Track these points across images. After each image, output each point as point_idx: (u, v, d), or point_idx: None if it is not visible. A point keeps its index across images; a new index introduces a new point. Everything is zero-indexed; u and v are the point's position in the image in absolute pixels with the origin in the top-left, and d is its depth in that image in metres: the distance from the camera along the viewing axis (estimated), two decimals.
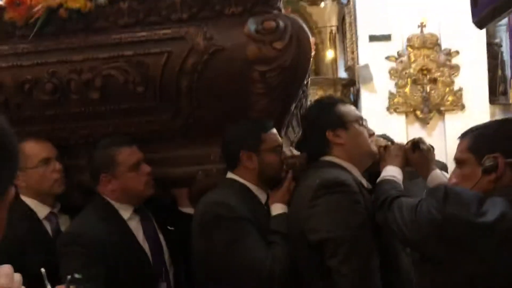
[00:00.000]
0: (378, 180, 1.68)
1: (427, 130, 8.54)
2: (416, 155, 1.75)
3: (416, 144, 1.76)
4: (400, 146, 1.77)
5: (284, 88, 1.74)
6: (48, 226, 1.84)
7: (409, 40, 8.56)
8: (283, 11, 1.81)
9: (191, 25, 1.74)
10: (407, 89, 8.62)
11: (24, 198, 1.82)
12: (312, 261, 1.58)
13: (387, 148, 1.76)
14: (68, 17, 1.78)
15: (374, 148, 1.75)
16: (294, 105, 1.90)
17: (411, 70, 8.61)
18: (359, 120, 1.75)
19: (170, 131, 1.85)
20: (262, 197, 1.78)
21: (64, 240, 1.70)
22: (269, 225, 1.69)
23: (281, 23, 1.69)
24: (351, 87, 9.12)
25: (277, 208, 1.72)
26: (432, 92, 8.54)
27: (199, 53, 1.72)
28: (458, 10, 6.90)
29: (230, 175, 1.78)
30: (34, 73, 1.81)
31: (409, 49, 8.60)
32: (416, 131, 8.36)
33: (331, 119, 1.72)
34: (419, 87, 8.62)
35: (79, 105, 1.81)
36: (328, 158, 1.71)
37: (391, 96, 8.60)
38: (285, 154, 1.81)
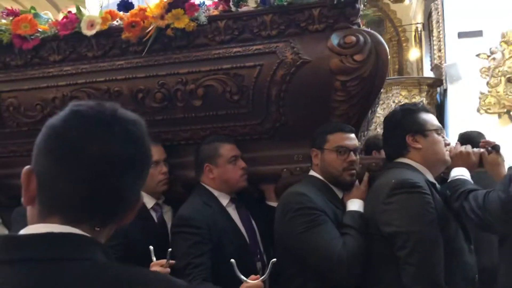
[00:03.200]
0: (450, 179, 1.84)
1: None
2: (493, 156, 1.86)
3: (496, 146, 1.89)
4: (472, 151, 1.89)
5: (363, 96, 1.92)
6: (154, 215, 2.13)
7: (503, 35, 8.10)
8: (361, 25, 1.98)
9: (280, 40, 1.97)
10: (500, 88, 8.20)
11: None
12: (383, 251, 1.75)
13: (460, 152, 1.88)
14: (174, 35, 2.07)
15: (448, 157, 1.89)
16: (370, 111, 2.06)
17: (506, 68, 8.14)
18: (438, 130, 1.89)
19: (259, 134, 2.09)
20: (339, 193, 1.96)
21: (176, 222, 1.99)
22: (344, 218, 1.85)
23: (361, 38, 1.88)
24: (437, 87, 8.75)
25: (353, 204, 1.88)
26: None
27: (288, 65, 1.94)
28: None
29: (311, 172, 1.99)
30: (146, 84, 2.12)
31: (503, 45, 8.17)
32: (510, 133, 7.92)
33: (412, 125, 1.88)
34: None
35: (183, 111, 2.10)
36: (404, 160, 1.88)
37: (482, 96, 8.18)
38: (352, 157, 1.91)
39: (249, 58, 1.99)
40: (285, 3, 1.93)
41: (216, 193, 2.05)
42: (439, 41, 8.68)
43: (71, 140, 0.77)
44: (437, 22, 8.71)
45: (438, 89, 8.77)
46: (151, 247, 1.82)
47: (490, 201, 1.64)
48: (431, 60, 9.33)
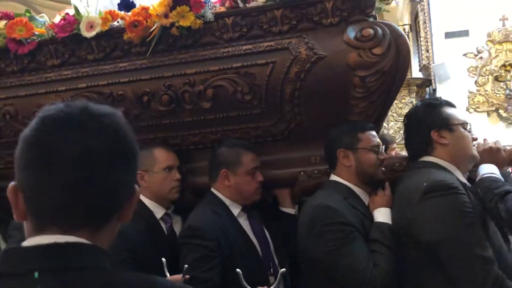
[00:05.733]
0: (479, 178, 1.73)
1: None
2: None
3: None
4: (503, 147, 1.81)
5: (383, 92, 1.83)
6: (163, 225, 2.01)
7: (489, 35, 8.20)
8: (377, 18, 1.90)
9: (293, 36, 1.87)
10: (488, 87, 8.24)
11: (143, 198, 1.98)
12: (421, 262, 1.64)
13: (489, 148, 1.79)
14: (179, 34, 1.96)
15: (476, 153, 1.80)
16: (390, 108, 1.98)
17: (493, 67, 8.21)
18: (465, 124, 1.80)
19: (273, 136, 1.99)
20: (365, 198, 1.85)
21: (185, 233, 1.87)
22: (372, 231, 1.74)
23: (379, 30, 1.79)
24: (426, 87, 8.81)
25: (380, 214, 1.77)
26: None
27: (302, 62, 1.84)
28: None
29: (333, 177, 1.88)
30: (151, 86, 2.00)
31: (490, 44, 8.23)
32: (500, 131, 7.95)
33: (437, 120, 1.78)
34: (501, 84, 8.20)
35: (191, 114, 1.99)
36: (429, 158, 1.77)
37: (471, 95, 8.23)
38: (384, 154, 1.88)
39: (261, 56, 1.89)
40: None
41: (227, 202, 1.94)
42: (427, 41, 8.79)
43: (47, 147, 0.74)
44: (424, 23, 8.80)
45: (427, 89, 8.84)
46: (164, 260, 1.71)
47: None
48: (419, 61, 9.42)
